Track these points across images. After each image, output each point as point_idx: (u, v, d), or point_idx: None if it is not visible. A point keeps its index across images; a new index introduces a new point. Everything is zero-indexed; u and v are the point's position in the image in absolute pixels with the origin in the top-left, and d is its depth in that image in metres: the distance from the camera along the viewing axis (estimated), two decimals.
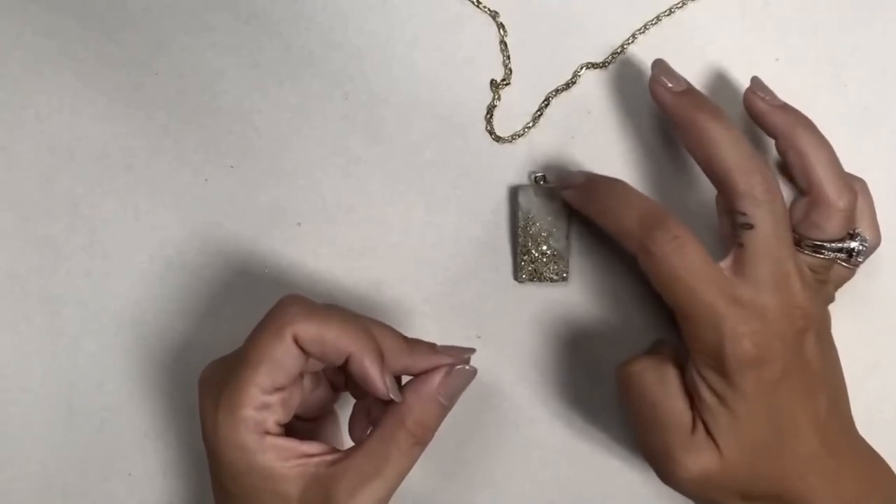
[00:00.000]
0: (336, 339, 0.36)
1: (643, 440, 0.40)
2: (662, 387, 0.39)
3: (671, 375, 0.39)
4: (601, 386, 0.46)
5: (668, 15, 0.47)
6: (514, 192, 0.46)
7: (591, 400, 0.46)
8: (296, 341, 0.36)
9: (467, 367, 0.39)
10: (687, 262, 0.37)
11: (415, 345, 0.39)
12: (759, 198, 0.37)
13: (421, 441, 0.38)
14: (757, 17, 0.46)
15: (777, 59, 0.46)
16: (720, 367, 0.37)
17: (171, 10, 0.47)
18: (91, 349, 0.47)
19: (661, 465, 0.39)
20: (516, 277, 0.46)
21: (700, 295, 0.37)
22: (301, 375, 0.38)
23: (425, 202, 0.47)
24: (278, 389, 0.36)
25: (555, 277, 0.45)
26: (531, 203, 0.45)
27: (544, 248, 0.45)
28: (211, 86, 0.47)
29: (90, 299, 0.47)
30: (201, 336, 0.47)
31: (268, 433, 0.36)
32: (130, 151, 0.47)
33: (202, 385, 0.38)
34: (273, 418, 0.36)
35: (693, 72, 0.46)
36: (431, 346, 0.39)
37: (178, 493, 0.48)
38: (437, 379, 0.38)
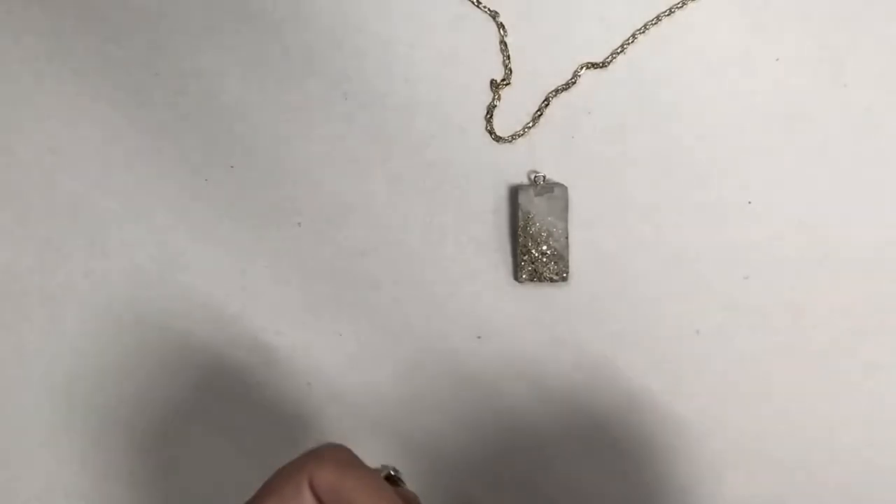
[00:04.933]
0: (354, 489, 0.32)
1: None
2: None
3: None
4: (601, 386, 0.46)
5: (668, 15, 0.47)
6: (514, 192, 0.46)
7: (591, 400, 0.46)
8: (311, 488, 0.33)
9: None
10: None
11: None
12: None
13: None
14: (757, 17, 0.46)
15: (777, 59, 0.46)
16: None
17: (171, 10, 0.47)
18: (91, 349, 0.47)
19: None
20: (516, 277, 0.46)
21: None
22: None
23: (425, 202, 0.47)
24: None
25: (555, 277, 0.45)
26: (531, 203, 0.45)
27: (544, 248, 0.45)
28: (211, 86, 0.47)
29: (90, 299, 0.47)
30: (201, 335, 0.47)
31: None
32: (130, 151, 0.47)
33: None
34: None
35: (693, 72, 0.46)
36: None
37: (179, 493, 0.48)
38: None
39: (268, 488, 0.34)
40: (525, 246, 0.45)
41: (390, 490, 0.33)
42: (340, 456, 0.34)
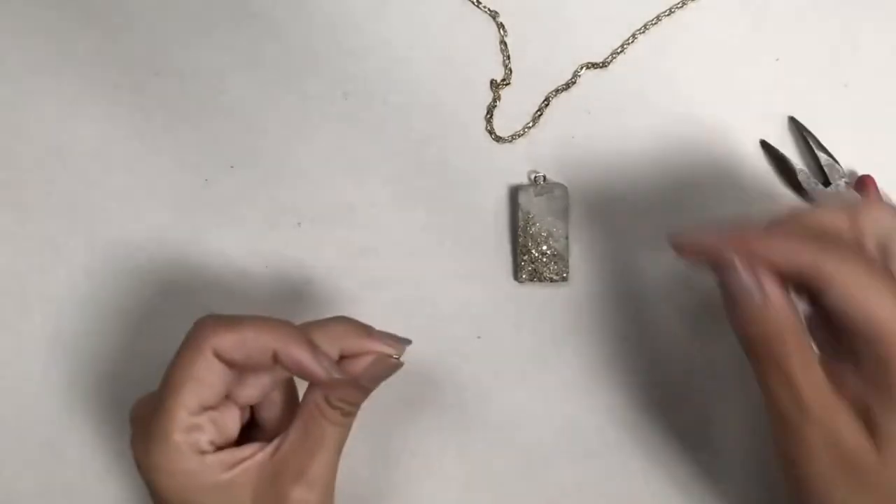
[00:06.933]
0: (255, 339, 0.35)
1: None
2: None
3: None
4: (601, 385, 0.46)
5: (668, 15, 0.47)
6: (514, 192, 0.46)
7: (592, 400, 0.46)
8: (217, 355, 0.35)
9: (392, 359, 0.38)
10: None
11: (347, 330, 0.38)
12: None
13: (349, 413, 0.37)
14: (757, 17, 0.46)
15: (777, 59, 0.46)
16: None
17: (171, 10, 0.47)
18: (91, 349, 0.47)
19: None
20: (516, 277, 0.46)
21: None
22: (240, 407, 0.37)
23: (425, 202, 0.47)
24: (207, 409, 0.36)
25: (555, 277, 0.45)
26: (531, 203, 0.45)
27: (544, 248, 0.45)
28: (211, 86, 0.47)
29: (90, 299, 0.47)
30: None
31: (203, 452, 0.35)
32: (130, 151, 0.47)
33: (133, 423, 0.37)
34: (206, 438, 0.35)
35: (693, 72, 0.46)
36: (365, 330, 0.38)
37: None
38: (361, 364, 0.38)
39: (178, 376, 0.36)
40: (525, 246, 0.45)
41: (285, 323, 0.36)
42: (226, 318, 0.36)
